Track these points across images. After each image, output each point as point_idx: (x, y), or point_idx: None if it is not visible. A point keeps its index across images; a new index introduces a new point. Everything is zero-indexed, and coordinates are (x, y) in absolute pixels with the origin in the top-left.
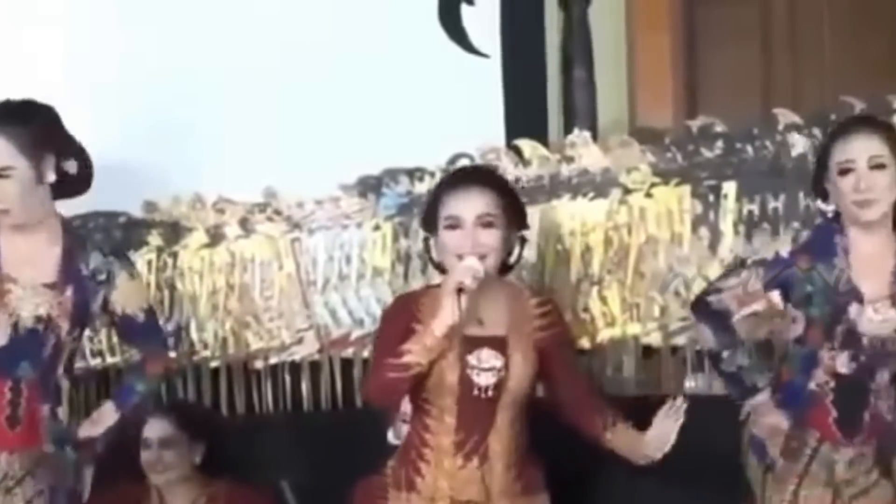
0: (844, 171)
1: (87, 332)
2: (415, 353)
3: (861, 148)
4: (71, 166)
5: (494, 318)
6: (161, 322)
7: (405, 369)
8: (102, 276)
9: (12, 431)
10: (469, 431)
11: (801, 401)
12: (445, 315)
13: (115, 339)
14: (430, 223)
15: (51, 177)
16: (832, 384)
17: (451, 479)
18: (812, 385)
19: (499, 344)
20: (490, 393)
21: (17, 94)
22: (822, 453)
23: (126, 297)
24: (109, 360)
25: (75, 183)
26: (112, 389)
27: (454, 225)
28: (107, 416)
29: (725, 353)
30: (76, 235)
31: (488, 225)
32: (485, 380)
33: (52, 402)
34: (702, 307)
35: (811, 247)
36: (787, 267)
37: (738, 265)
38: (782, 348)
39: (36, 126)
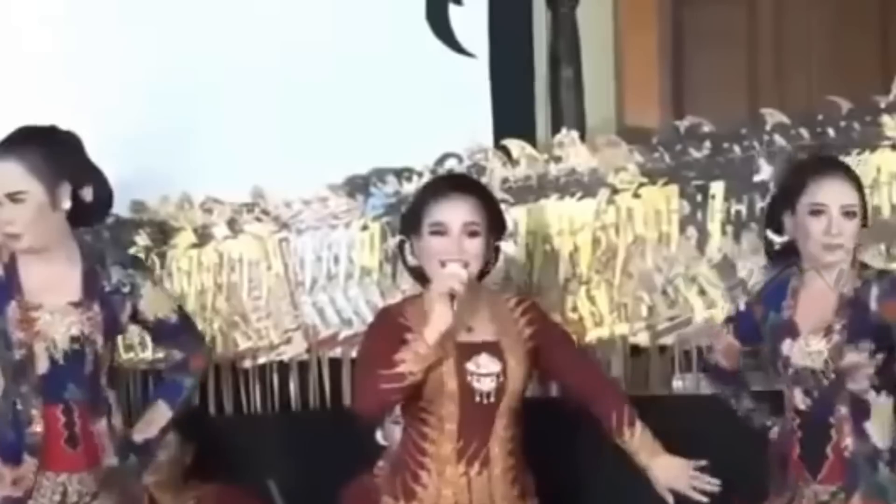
0: (816, 213)
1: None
2: (409, 363)
3: (836, 193)
4: (87, 194)
5: (482, 324)
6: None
7: (400, 379)
8: (126, 289)
9: (74, 451)
10: (470, 438)
11: (780, 441)
12: (438, 321)
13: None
14: (411, 226)
15: (66, 204)
16: (797, 421)
17: (454, 487)
18: (786, 425)
19: (494, 349)
20: (491, 398)
21: (16, 94)
22: (800, 490)
23: (155, 303)
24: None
25: (92, 211)
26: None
27: (441, 231)
28: (161, 415)
29: (732, 402)
30: (94, 254)
31: (473, 234)
32: (485, 385)
33: (105, 415)
34: (707, 374)
35: (764, 297)
36: (748, 319)
37: (720, 326)
38: None
39: (54, 152)
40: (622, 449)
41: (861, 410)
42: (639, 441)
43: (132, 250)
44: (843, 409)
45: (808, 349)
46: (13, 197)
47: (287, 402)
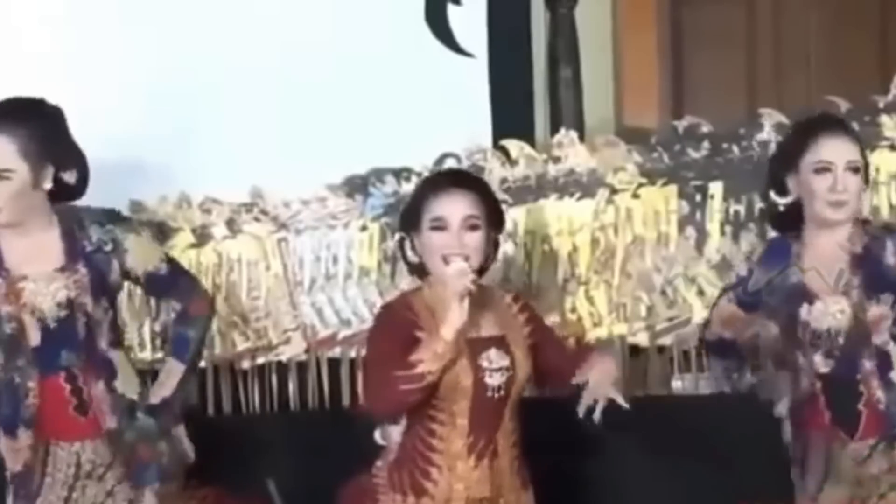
0: (821, 171)
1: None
2: (427, 363)
3: (840, 150)
4: (70, 176)
5: (486, 319)
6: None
7: (419, 380)
8: (109, 247)
9: (85, 418)
10: (479, 432)
11: (796, 408)
12: (454, 319)
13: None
14: (411, 223)
15: (47, 185)
16: (819, 385)
17: (466, 481)
18: (801, 391)
19: (501, 343)
20: (501, 392)
21: (15, 94)
22: (833, 454)
23: (142, 256)
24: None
25: (70, 190)
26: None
27: (440, 226)
28: (173, 372)
29: (735, 376)
30: (71, 217)
31: (473, 227)
32: (496, 380)
33: (104, 377)
34: (707, 346)
35: (766, 260)
36: (747, 282)
37: (721, 292)
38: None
39: (43, 133)
40: (620, 448)
41: (885, 362)
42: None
43: None
44: (869, 364)
45: (828, 310)
46: None
47: (286, 403)
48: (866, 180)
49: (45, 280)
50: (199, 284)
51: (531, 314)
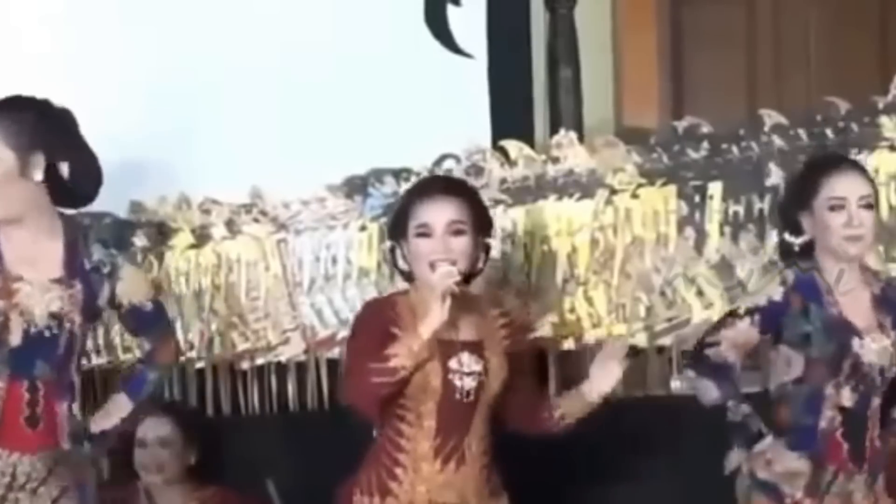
0: (836, 207)
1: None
2: (401, 357)
3: (853, 186)
4: (64, 169)
5: (466, 324)
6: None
7: (392, 374)
8: (106, 269)
9: (33, 431)
10: (448, 435)
11: (815, 441)
12: (434, 318)
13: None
14: (398, 231)
15: (37, 175)
16: (839, 418)
17: (430, 483)
18: (823, 423)
19: (476, 348)
20: (471, 397)
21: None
22: (837, 485)
23: (132, 288)
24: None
25: (75, 191)
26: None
27: (425, 233)
28: (121, 407)
29: (731, 403)
30: (76, 229)
31: (458, 233)
32: (467, 383)
33: (68, 399)
34: (701, 362)
35: (800, 288)
36: (784, 311)
37: (731, 314)
38: (777, 391)
39: (32, 121)
40: (619, 448)
41: (885, 402)
42: (566, 401)
43: (129, 251)
44: (877, 402)
45: (875, 346)
46: None
47: (285, 403)
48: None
49: (41, 287)
50: (173, 332)
51: (513, 331)
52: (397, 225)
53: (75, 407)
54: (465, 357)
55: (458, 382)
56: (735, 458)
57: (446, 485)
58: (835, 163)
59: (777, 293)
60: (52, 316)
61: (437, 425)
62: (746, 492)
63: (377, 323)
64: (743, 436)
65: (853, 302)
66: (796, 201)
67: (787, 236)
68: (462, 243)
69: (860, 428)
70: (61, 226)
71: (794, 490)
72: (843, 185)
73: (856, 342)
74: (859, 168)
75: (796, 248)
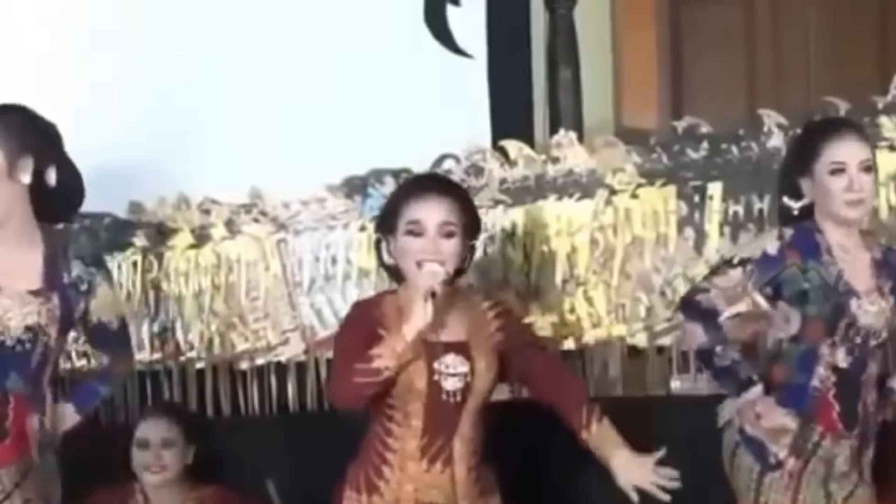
0: (836, 171)
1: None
2: (385, 358)
3: (853, 150)
4: (51, 176)
5: (453, 324)
6: (144, 324)
7: (376, 374)
8: (84, 286)
9: (1, 444)
10: (434, 435)
11: (806, 398)
12: (418, 319)
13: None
14: (387, 226)
15: (25, 178)
16: (833, 378)
17: (416, 483)
18: (815, 382)
19: (462, 349)
20: (457, 397)
21: (15, 94)
22: (823, 448)
23: (104, 305)
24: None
25: (58, 202)
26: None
27: (417, 231)
28: (67, 417)
29: (718, 348)
30: (56, 242)
31: (449, 234)
32: (452, 385)
33: (39, 411)
34: (691, 306)
35: (798, 244)
36: (779, 265)
37: (726, 263)
38: (773, 347)
39: (22, 126)
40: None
41: (884, 371)
42: (600, 436)
43: (129, 251)
44: (874, 367)
45: (873, 308)
46: None
47: (285, 403)
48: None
49: (19, 299)
50: (131, 349)
51: (507, 321)
52: (387, 219)
53: (46, 420)
54: (451, 358)
55: (443, 384)
56: (728, 409)
57: (433, 484)
58: (835, 127)
59: (772, 246)
60: (28, 329)
61: (423, 425)
62: (732, 446)
63: (363, 323)
64: (733, 382)
65: (853, 264)
66: (796, 165)
67: (786, 200)
68: (452, 245)
69: (854, 391)
70: (41, 236)
71: (779, 449)
72: (843, 150)
73: (854, 303)
74: (859, 131)
75: (795, 212)
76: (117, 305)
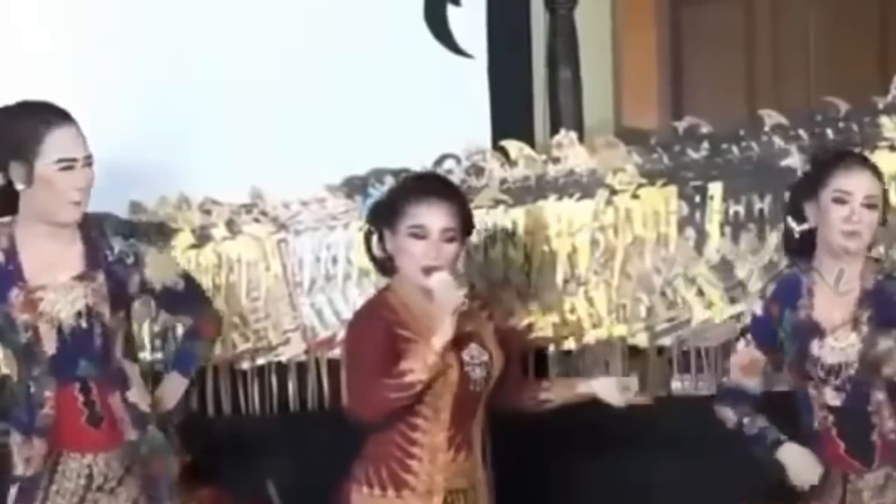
0: (839, 200)
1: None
2: (417, 373)
3: (860, 183)
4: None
5: (461, 318)
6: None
7: (409, 388)
8: (130, 259)
9: (97, 430)
10: (460, 425)
11: (814, 441)
12: (447, 331)
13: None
14: (387, 220)
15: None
16: (831, 418)
17: (446, 472)
18: (815, 424)
19: (479, 339)
20: (479, 386)
21: (15, 94)
22: (850, 490)
23: (160, 270)
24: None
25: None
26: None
27: (421, 235)
28: (177, 385)
29: (746, 420)
30: (92, 224)
31: (451, 239)
32: (478, 373)
33: (120, 389)
34: (720, 395)
35: (778, 295)
36: (768, 323)
37: (735, 338)
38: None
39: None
40: (619, 448)
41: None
42: (559, 385)
43: None
44: (881, 395)
45: (838, 345)
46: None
47: (285, 403)
48: (884, 220)
49: (65, 289)
50: (211, 305)
51: (497, 322)
52: (387, 214)
53: (131, 395)
54: (474, 348)
55: (472, 374)
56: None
57: (459, 472)
58: (848, 157)
59: (758, 307)
60: (79, 314)
61: (451, 416)
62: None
63: (380, 330)
64: (762, 445)
65: (831, 300)
66: (804, 188)
67: (789, 220)
68: (453, 250)
69: (860, 425)
70: (78, 227)
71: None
72: (851, 181)
73: (815, 344)
74: (873, 168)
75: (796, 235)
76: (175, 267)
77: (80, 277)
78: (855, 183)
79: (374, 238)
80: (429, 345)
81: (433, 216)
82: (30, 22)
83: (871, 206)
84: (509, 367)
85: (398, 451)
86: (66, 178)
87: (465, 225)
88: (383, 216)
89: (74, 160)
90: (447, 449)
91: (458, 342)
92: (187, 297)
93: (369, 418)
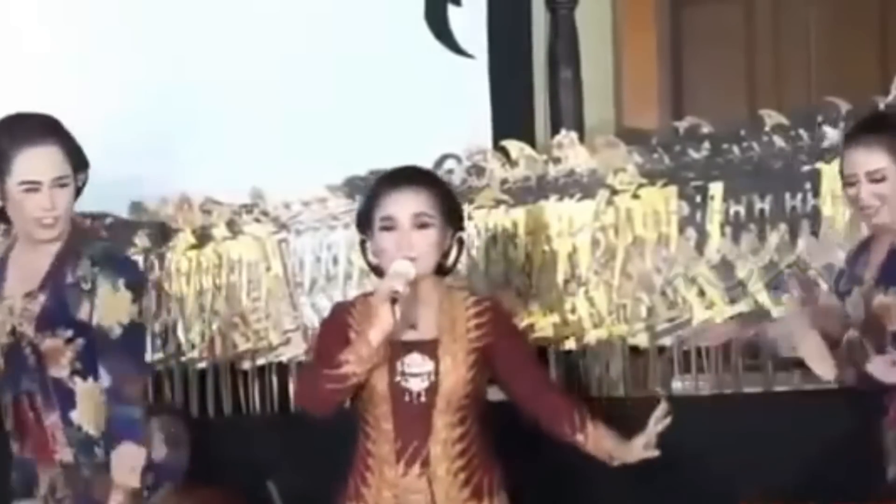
0: (850, 184)
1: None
2: (352, 363)
3: (862, 161)
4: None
5: (427, 321)
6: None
7: (343, 380)
8: (87, 286)
9: (39, 443)
10: (408, 438)
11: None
12: (382, 323)
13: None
14: (365, 224)
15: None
16: None
17: (394, 488)
18: None
19: (428, 348)
20: (422, 398)
21: (15, 94)
22: None
23: (105, 309)
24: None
25: None
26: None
27: (389, 226)
28: (134, 457)
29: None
30: (77, 242)
31: (423, 226)
32: (415, 385)
33: (60, 407)
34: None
35: (848, 259)
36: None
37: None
38: None
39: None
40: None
41: None
42: (597, 437)
43: (131, 251)
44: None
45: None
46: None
47: (286, 403)
48: None
49: (14, 304)
50: (140, 369)
51: (490, 318)
52: (364, 218)
53: (75, 414)
54: (413, 358)
55: (404, 384)
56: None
57: (411, 489)
58: (856, 130)
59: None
60: (12, 332)
61: (395, 428)
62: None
63: (335, 327)
64: None
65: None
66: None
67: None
68: (427, 237)
69: None
70: (66, 238)
71: None
72: (850, 162)
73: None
74: (877, 137)
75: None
76: (121, 312)
77: (27, 295)
78: (857, 164)
79: (365, 245)
80: (365, 337)
81: (399, 204)
82: (30, 22)
83: (875, 182)
84: (521, 372)
85: (360, 462)
86: (32, 200)
87: (445, 209)
88: (361, 222)
89: (38, 183)
90: (395, 463)
91: (395, 351)
92: (115, 348)
93: (312, 410)
